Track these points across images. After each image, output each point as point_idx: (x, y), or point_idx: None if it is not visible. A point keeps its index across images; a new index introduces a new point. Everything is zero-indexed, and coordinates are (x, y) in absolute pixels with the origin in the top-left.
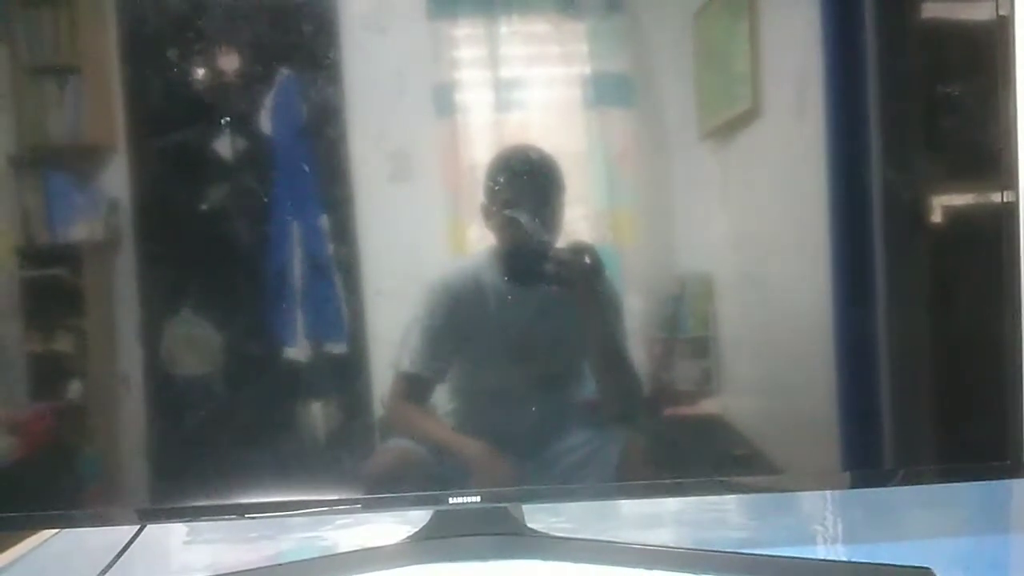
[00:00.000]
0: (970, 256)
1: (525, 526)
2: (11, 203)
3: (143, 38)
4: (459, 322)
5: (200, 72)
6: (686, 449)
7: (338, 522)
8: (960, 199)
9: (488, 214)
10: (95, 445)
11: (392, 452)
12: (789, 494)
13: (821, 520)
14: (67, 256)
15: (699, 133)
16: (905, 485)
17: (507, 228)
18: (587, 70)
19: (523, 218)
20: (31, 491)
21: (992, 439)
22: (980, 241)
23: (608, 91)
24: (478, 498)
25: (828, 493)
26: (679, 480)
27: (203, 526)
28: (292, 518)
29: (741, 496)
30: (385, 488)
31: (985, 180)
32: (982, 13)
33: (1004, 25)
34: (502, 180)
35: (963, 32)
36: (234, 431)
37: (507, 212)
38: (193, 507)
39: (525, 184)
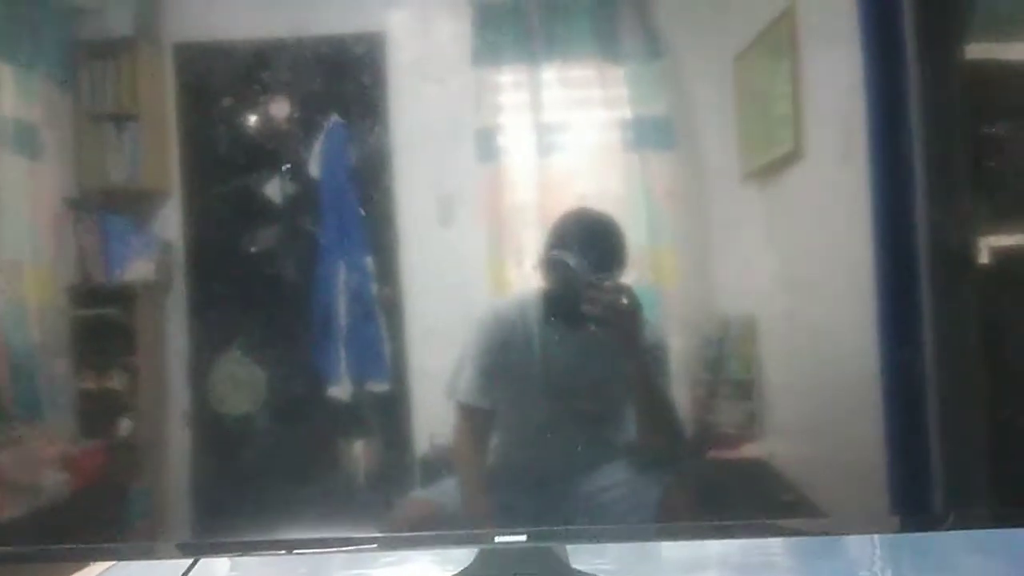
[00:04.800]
0: (1018, 295)
1: (569, 566)
2: (68, 243)
3: (199, 87)
4: (505, 360)
5: (254, 120)
6: (731, 492)
7: (383, 560)
8: (1007, 240)
9: (539, 258)
10: (145, 480)
11: (436, 490)
12: (837, 537)
13: (870, 565)
14: (121, 296)
15: (741, 175)
16: (956, 529)
17: (553, 269)
18: (629, 114)
19: (569, 260)
20: (83, 524)
21: None
22: None
23: (650, 134)
24: (524, 537)
25: (877, 537)
26: (724, 522)
27: (250, 562)
28: (338, 554)
29: (788, 539)
30: (430, 526)
31: None
32: None
33: None
34: (549, 223)
35: (1006, 72)
36: (282, 467)
37: (553, 253)
38: (241, 542)
39: (571, 227)
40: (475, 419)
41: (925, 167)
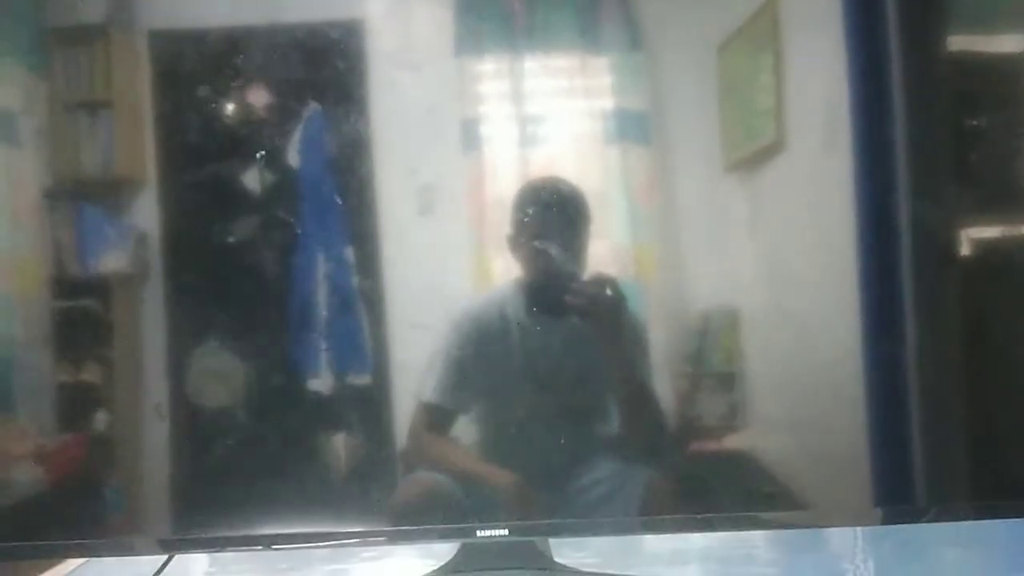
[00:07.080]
0: (1001, 287)
1: (552, 560)
2: (43, 234)
3: (175, 74)
4: (485, 353)
5: (230, 108)
6: (714, 484)
7: (364, 555)
8: (989, 231)
9: (515, 246)
10: (121, 475)
11: (419, 484)
12: (819, 530)
13: (852, 558)
14: (96, 287)
15: (723, 167)
16: (938, 522)
17: (534, 260)
18: (611, 105)
19: (551, 250)
20: (57, 520)
21: None
22: (1011, 272)
23: (632, 125)
24: (506, 531)
25: (859, 530)
26: (707, 515)
27: (227, 558)
28: (318, 550)
29: (770, 532)
30: (411, 520)
31: (1014, 211)
32: (1008, 46)
33: None
34: (530, 212)
35: (989, 65)
36: (260, 462)
37: (535, 243)
38: (219, 537)
39: (553, 216)
40: (433, 417)
41: (908, 159)
